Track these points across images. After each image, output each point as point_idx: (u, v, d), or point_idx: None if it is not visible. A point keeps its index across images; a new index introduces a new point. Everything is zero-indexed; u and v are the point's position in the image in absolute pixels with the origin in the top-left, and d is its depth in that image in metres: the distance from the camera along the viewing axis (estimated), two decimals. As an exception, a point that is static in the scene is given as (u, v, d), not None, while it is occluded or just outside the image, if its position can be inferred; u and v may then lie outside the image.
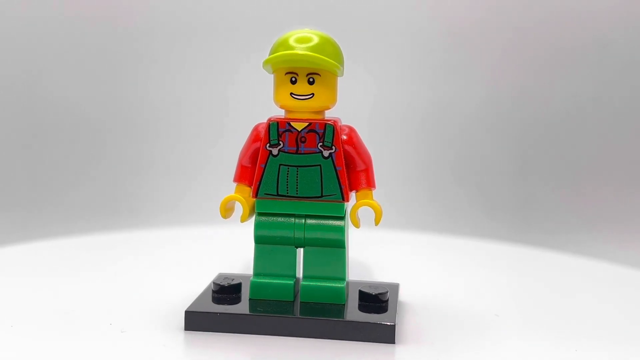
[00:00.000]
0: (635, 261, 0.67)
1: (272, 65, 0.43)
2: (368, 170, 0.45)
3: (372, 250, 0.63)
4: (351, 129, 0.45)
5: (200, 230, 0.71)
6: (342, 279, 0.45)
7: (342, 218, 0.45)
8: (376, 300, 0.45)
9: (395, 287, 0.49)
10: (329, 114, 0.46)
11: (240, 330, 0.43)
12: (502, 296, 0.53)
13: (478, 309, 0.49)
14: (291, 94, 0.44)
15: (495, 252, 0.67)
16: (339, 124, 0.45)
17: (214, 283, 0.46)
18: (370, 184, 0.45)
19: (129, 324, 0.44)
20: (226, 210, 0.46)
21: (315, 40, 0.44)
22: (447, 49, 0.84)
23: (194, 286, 0.50)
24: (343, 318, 0.43)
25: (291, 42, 0.44)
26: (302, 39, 0.44)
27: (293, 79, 0.43)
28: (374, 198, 0.45)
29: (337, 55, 0.44)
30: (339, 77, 0.45)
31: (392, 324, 0.42)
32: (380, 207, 0.45)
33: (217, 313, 0.43)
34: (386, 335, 0.42)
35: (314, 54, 0.43)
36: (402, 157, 0.83)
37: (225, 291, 0.46)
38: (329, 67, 0.43)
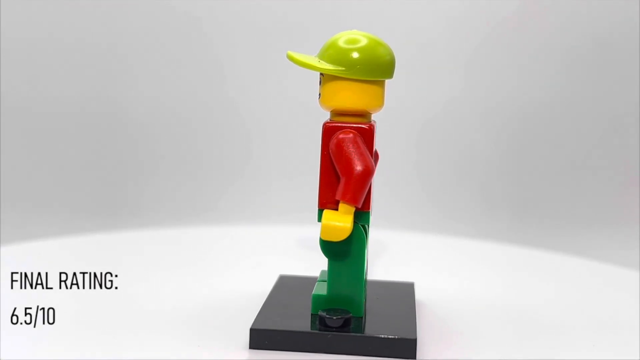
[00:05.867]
0: (633, 261, 0.73)
1: None
2: (343, 181, 0.41)
3: (372, 250, 0.60)
4: (344, 136, 0.41)
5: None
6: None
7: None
8: (321, 322, 0.42)
9: (410, 286, 0.49)
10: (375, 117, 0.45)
11: None
12: (501, 296, 0.53)
13: (477, 309, 0.49)
14: None
15: (495, 252, 0.67)
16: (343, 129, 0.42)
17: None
18: (340, 196, 0.41)
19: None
20: None
21: (332, 39, 0.43)
22: (446, 50, 0.87)
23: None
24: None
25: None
26: (334, 38, 0.43)
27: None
28: (350, 213, 0.41)
29: (349, 56, 0.41)
30: (387, 81, 0.43)
31: (255, 327, 0.41)
32: (331, 224, 0.40)
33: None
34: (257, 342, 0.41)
35: (289, 52, 0.42)
36: (401, 158, 0.83)
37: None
38: (307, 67, 0.42)
